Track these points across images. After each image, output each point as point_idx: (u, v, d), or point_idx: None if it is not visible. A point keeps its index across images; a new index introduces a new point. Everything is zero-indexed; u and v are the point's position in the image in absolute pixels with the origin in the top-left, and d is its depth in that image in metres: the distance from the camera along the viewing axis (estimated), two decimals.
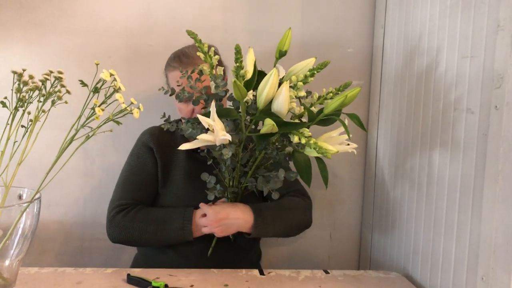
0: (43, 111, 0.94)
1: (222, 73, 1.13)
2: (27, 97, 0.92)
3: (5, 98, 0.91)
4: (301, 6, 1.61)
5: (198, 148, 1.30)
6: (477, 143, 0.97)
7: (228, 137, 1.01)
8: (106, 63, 1.54)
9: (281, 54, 1.12)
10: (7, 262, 0.83)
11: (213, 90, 1.14)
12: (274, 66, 1.12)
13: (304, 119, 1.12)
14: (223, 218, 1.18)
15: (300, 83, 1.08)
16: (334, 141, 1.10)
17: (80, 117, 0.78)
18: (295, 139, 1.01)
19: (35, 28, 1.53)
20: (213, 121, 1.02)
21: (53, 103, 0.94)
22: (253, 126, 1.13)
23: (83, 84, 0.79)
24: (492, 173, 0.88)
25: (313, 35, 1.61)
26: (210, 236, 1.24)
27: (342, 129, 1.10)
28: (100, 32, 1.55)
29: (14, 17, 1.52)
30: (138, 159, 1.34)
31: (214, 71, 1.13)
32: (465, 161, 1.02)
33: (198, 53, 1.11)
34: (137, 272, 1.14)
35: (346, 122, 1.06)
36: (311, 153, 1.04)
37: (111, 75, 0.75)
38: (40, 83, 0.92)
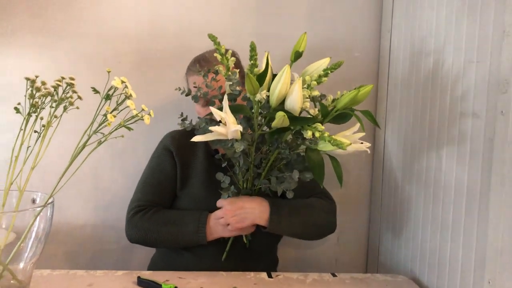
0: (55, 116, 0.97)
1: (237, 75, 1.15)
2: (39, 103, 0.95)
3: (19, 104, 0.94)
4: (308, 11, 1.62)
5: (217, 152, 1.32)
6: (483, 147, 0.98)
7: (239, 127, 1.03)
8: (116, 69, 1.56)
9: (297, 55, 1.14)
10: (21, 265, 0.85)
11: (227, 90, 1.16)
12: (290, 68, 1.13)
13: None
14: (239, 207, 1.19)
15: (314, 83, 1.10)
16: (348, 140, 1.11)
17: (92, 123, 0.80)
18: (309, 133, 1.03)
19: (47, 34, 1.55)
20: (225, 114, 1.04)
21: (65, 108, 0.96)
22: (265, 128, 1.15)
23: (95, 91, 0.81)
24: (499, 177, 0.89)
25: (320, 39, 1.62)
26: (226, 240, 1.26)
27: (355, 128, 1.12)
28: (110, 37, 1.57)
29: (26, 24, 1.55)
30: (158, 162, 1.37)
31: (229, 72, 1.16)
32: (471, 165, 1.03)
33: (215, 55, 1.15)
34: (147, 274, 1.16)
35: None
36: (325, 147, 1.06)
37: (123, 82, 0.77)
38: (52, 89, 0.94)
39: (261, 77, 1.10)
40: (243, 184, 1.23)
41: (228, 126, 1.05)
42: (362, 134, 1.12)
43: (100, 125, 0.78)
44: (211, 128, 1.05)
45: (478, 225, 0.99)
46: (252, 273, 1.22)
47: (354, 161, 1.67)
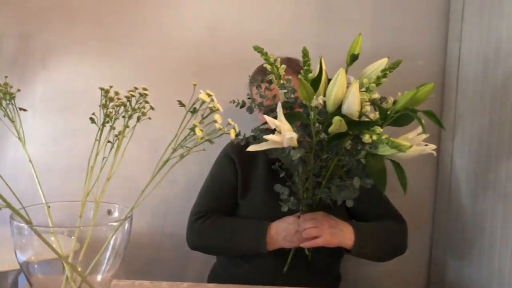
0: (127, 126, 0.96)
1: (291, 82, 1.13)
2: (113, 113, 0.94)
3: (93, 114, 0.94)
4: (370, 18, 1.57)
5: (277, 161, 1.30)
6: None
7: (294, 134, 1.00)
8: (175, 77, 1.56)
9: (353, 58, 1.10)
10: (99, 278, 0.84)
11: (281, 98, 1.14)
12: (346, 72, 1.09)
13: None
14: (332, 225, 1.17)
15: (373, 85, 1.05)
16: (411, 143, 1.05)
17: (176, 136, 0.78)
18: (366, 137, 0.98)
19: (110, 42, 1.57)
20: (279, 122, 1.01)
21: (138, 119, 0.96)
22: (323, 135, 1.11)
23: (181, 104, 0.79)
24: None
25: (382, 47, 1.58)
26: (287, 253, 1.22)
27: (418, 130, 1.06)
28: (170, 45, 1.58)
29: (90, 31, 1.58)
30: (220, 169, 1.37)
31: (281, 80, 1.13)
32: None
33: (265, 65, 1.13)
34: (211, 287, 1.14)
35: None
36: (386, 151, 1.01)
37: (209, 95, 0.75)
38: (125, 99, 0.94)
39: (315, 82, 1.07)
40: (303, 193, 1.20)
41: (283, 134, 1.02)
42: (425, 136, 1.06)
43: (185, 139, 0.76)
44: (265, 137, 1.03)
45: None
46: None
47: (415, 170, 1.60)
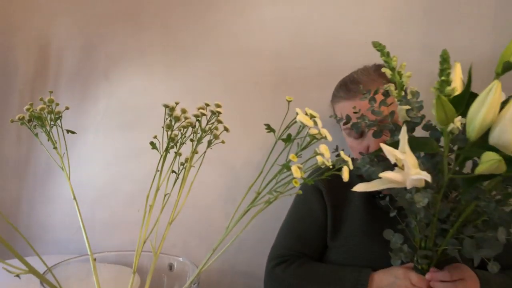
0: (196, 152, 0.76)
1: (420, 95, 0.86)
2: (179, 135, 0.75)
3: (155, 137, 0.75)
4: (492, 17, 1.27)
5: (379, 193, 1.05)
6: None
7: (426, 176, 0.71)
8: (252, 90, 1.35)
9: (507, 67, 0.80)
10: None
11: (401, 117, 0.87)
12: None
13: None
14: (460, 277, 0.90)
15: None
16: None
17: (261, 173, 0.55)
18: None
19: (178, 51, 1.40)
20: (403, 154, 0.74)
21: (209, 143, 0.75)
22: (457, 168, 0.83)
23: (270, 129, 0.54)
24: None
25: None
26: None
27: None
28: (246, 55, 1.37)
29: (157, 40, 1.42)
30: (304, 203, 1.14)
31: (403, 92, 0.88)
32: None
33: (383, 70, 0.87)
34: None
35: None
36: None
37: (312, 116, 0.51)
38: (194, 119, 0.74)
39: (458, 100, 0.78)
40: (420, 242, 0.92)
41: (407, 171, 0.74)
42: None
43: (274, 177, 0.52)
44: (381, 174, 0.75)
45: None
46: None
47: None
